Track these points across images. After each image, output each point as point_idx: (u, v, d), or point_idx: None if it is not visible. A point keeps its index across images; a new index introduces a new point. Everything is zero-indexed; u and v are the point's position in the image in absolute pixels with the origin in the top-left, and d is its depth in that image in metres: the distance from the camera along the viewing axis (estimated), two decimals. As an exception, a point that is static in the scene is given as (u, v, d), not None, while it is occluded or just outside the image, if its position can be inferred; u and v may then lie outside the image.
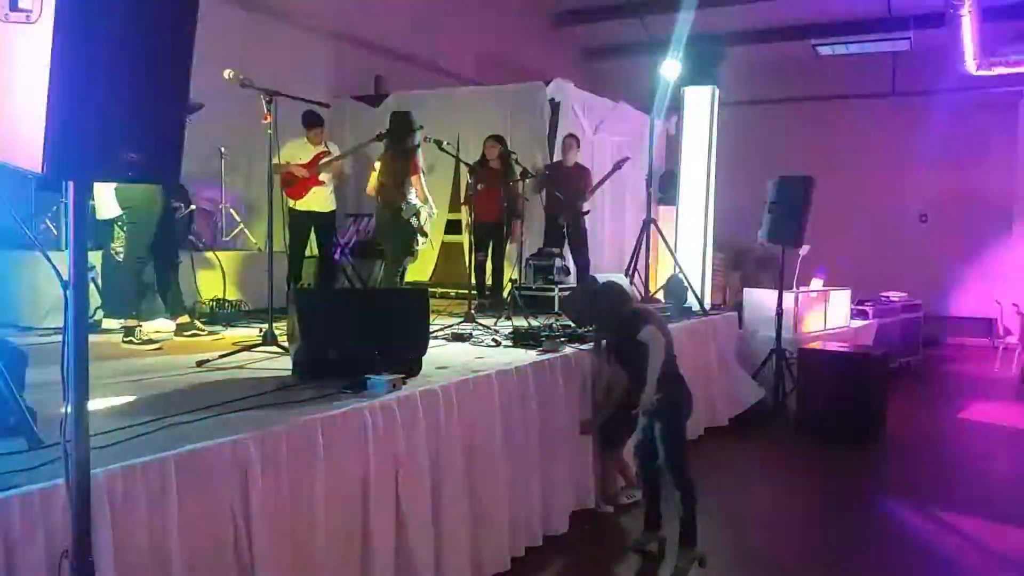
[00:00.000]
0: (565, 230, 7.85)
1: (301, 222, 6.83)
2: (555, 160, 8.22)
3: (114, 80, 1.72)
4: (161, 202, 4.96)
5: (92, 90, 1.69)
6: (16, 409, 2.37)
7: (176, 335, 5.10)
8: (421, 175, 6.21)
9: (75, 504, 1.80)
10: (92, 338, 5.28)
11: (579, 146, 8.05)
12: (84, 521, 1.82)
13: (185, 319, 5.18)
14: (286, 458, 2.64)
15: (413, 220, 6.15)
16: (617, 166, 8.16)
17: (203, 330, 5.20)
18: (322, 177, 6.81)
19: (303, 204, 6.80)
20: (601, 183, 8.14)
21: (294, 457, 2.67)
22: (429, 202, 6.37)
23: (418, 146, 6.18)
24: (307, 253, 7.06)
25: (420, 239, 6.33)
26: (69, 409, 1.80)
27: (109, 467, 2.11)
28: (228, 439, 2.47)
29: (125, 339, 4.80)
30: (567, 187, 7.77)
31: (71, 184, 1.77)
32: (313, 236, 6.97)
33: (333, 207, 7.07)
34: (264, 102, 4.63)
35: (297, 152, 6.74)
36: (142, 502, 2.17)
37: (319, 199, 6.87)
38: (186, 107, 1.90)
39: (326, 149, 6.87)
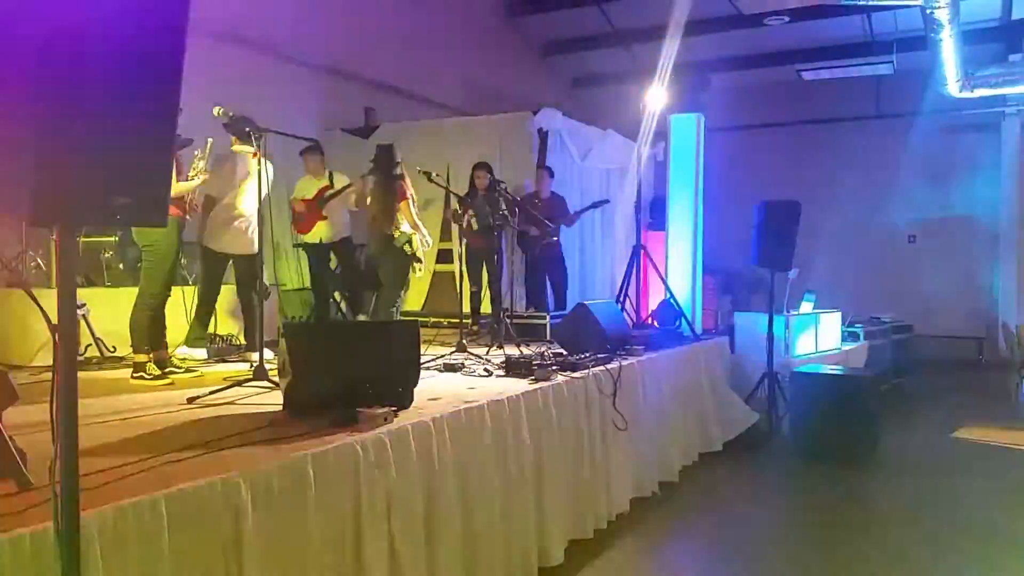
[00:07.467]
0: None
1: (316, 253, 7.17)
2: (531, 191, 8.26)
3: (101, 123, 1.73)
4: (176, 239, 4.97)
5: (80, 134, 1.70)
6: (5, 451, 2.36)
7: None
8: (410, 203, 6.25)
9: (65, 547, 1.80)
10: (96, 374, 5.17)
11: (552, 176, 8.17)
12: (74, 564, 1.81)
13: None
14: (277, 495, 2.63)
15: (407, 247, 6.20)
16: (595, 205, 8.26)
17: (179, 367, 5.15)
18: (324, 212, 6.96)
19: (310, 237, 7.04)
20: (577, 216, 8.21)
21: (285, 493, 2.66)
22: (421, 230, 6.41)
23: (402, 175, 6.23)
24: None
25: (416, 266, 6.36)
26: (58, 451, 1.80)
27: (99, 508, 2.10)
28: (219, 477, 2.46)
29: (135, 375, 4.76)
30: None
31: (59, 227, 1.79)
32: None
33: (346, 233, 7.20)
34: (253, 138, 4.65)
35: (304, 188, 7.01)
36: (133, 542, 2.16)
37: (322, 231, 7.03)
38: (173, 149, 1.92)
39: (328, 183, 6.99)
